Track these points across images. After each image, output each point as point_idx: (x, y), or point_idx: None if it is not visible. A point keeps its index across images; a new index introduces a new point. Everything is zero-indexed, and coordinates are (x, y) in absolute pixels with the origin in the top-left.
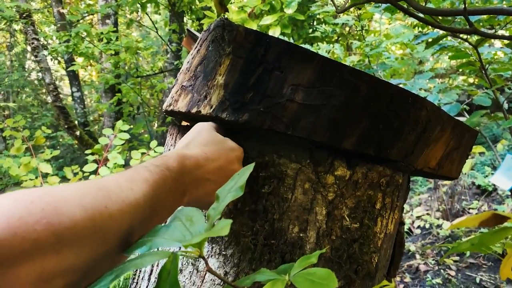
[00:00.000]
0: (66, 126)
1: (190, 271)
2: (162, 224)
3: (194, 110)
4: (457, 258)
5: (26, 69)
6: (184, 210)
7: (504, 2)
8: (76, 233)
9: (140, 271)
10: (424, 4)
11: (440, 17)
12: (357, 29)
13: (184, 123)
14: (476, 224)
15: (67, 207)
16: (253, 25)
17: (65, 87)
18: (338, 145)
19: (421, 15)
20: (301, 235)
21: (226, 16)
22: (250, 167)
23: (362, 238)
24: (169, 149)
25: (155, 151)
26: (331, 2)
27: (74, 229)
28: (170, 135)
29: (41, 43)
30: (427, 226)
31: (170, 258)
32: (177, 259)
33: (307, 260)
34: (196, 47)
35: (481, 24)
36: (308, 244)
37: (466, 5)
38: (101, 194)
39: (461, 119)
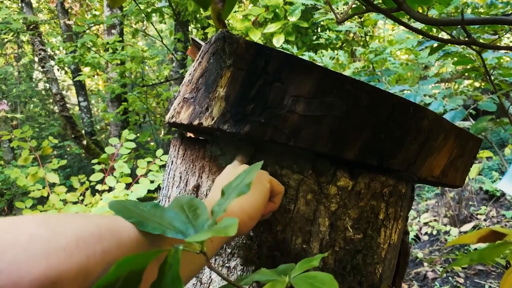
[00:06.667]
0: (73, 136)
1: (193, 283)
2: (156, 202)
3: (196, 122)
4: (465, 265)
5: (33, 80)
6: (186, 199)
7: (508, 7)
8: None
9: None
10: (426, 12)
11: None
12: (361, 35)
13: (189, 134)
14: (475, 241)
15: None
16: (257, 33)
17: (72, 97)
18: (340, 156)
19: (419, 25)
20: (304, 246)
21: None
22: (258, 165)
23: (366, 249)
24: (172, 161)
25: (161, 160)
26: (333, 12)
27: None
28: (173, 146)
29: (48, 53)
30: (435, 232)
31: (171, 252)
32: (178, 253)
33: (309, 263)
34: (198, 59)
35: (485, 29)
36: (311, 256)
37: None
38: None
39: (466, 124)
